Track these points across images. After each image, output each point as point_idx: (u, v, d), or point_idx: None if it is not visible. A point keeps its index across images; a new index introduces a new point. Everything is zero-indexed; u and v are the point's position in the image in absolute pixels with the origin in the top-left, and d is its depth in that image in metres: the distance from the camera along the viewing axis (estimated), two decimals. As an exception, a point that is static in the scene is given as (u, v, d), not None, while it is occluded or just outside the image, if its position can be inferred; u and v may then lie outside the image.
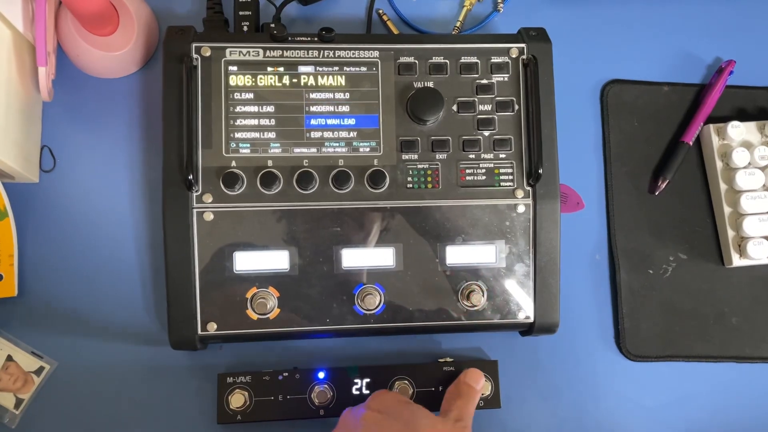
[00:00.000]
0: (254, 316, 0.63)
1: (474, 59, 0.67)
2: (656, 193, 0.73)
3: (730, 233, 0.72)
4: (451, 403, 0.61)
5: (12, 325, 0.66)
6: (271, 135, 0.64)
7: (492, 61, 0.67)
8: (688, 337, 0.72)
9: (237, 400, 0.63)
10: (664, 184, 0.73)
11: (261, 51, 0.65)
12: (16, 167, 0.63)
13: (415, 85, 0.66)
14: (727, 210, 0.72)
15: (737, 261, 0.71)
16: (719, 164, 0.72)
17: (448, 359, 0.67)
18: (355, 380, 0.65)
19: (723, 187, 0.72)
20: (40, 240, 0.67)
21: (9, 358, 0.65)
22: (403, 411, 0.58)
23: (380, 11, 0.74)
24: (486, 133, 0.66)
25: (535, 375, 0.70)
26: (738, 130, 0.72)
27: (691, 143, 0.74)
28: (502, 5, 0.76)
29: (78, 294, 0.67)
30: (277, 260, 0.64)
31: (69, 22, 0.66)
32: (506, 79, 0.67)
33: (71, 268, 0.67)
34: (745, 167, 0.71)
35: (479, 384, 0.63)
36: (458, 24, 0.75)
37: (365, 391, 0.65)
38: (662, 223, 0.73)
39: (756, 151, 0.71)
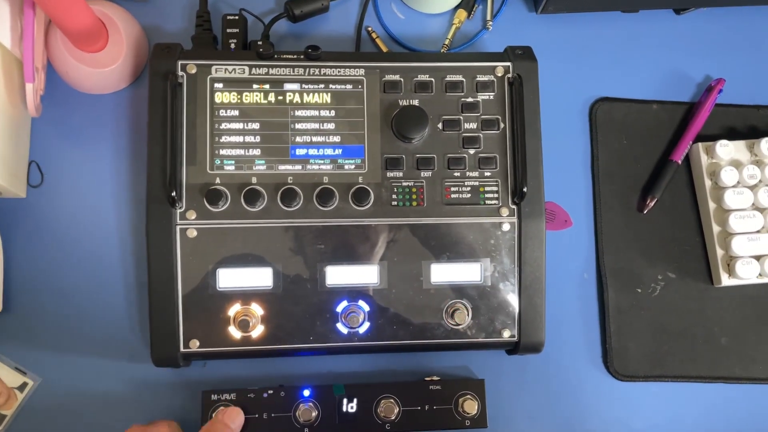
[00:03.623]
0: (237, 334, 0.63)
1: (459, 77, 0.67)
2: (645, 212, 0.73)
3: (719, 252, 0.71)
4: None
5: (-4, 341, 0.66)
6: (256, 152, 0.64)
7: (477, 79, 0.67)
8: (676, 357, 0.71)
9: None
10: (653, 202, 0.73)
11: (247, 68, 0.65)
12: (3, 183, 0.63)
13: (401, 103, 0.66)
14: (716, 229, 0.72)
15: (726, 280, 0.71)
16: (708, 183, 0.72)
17: (435, 378, 0.67)
18: (341, 398, 0.65)
19: (712, 206, 0.72)
20: (27, 255, 0.68)
21: (-8, 374, 0.65)
22: None
23: (369, 29, 0.75)
24: (471, 151, 0.66)
25: (522, 394, 0.70)
26: (727, 149, 0.72)
27: (680, 162, 0.73)
28: (491, 23, 0.76)
29: (63, 310, 0.67)
30: (260, 278, 0.63)
31: (58, 39, 0.67)
32: (492, 97, 0.67)
33: (57, 283, 0.67)
34: (733, 186, 0.71)
35: (235, 423, 0.61)
36: (447, 41, 0.75)
37: (350, 410, 0.64)
38: (651, 242, 0.73)
39: (745, 170, 0.71)
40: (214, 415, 0.62)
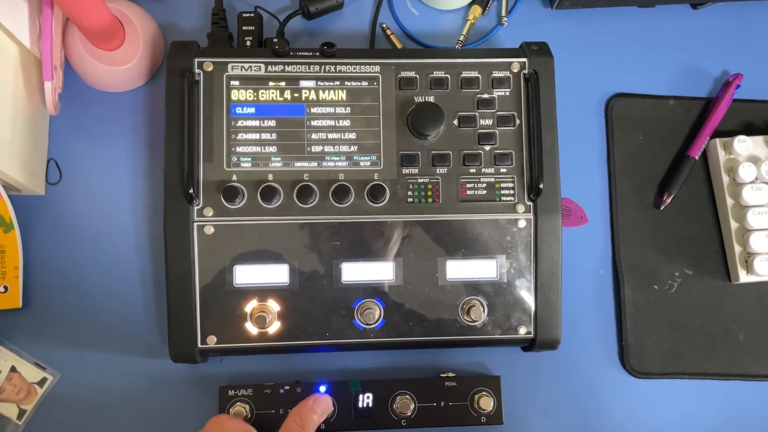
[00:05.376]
0: (254, 330, 0.63)
1: (475, 74, 0.67)
2: (661, 208, 0.73)
3: (737, 249, 0.71)
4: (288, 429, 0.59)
5: (16, 337, 0.67)
6: (272, 149, 0.65)
7: (493, 75, 0.67)
8: (693, 354, 0.71)
9: (238, 412, 0.64)
10: (670, 198, 0.72)
11: (263, 66, 0.65)
12: (22, 180, 0.64)
13: (416, 100, 0.66)
14: (733, 225, 0.71)
15: (744, 277, 0.70)
16: (726, 179, 0.72)
17: (450, 374, 0.67)
18: (357, 394, 0.65)
19: (729, 202, 0.71)
20: (45, 252, 0.68)
21: (13, 369, 0.66)
22: None
23: (384, 25, 0.75)
24: (487, 148, 0.66)
25: (538, 391, 0.70)
26: (745, 145, 0.71)
27: (697, 158, 0.73)
28: (505, 19, 0.75)
29: (81, 306, 0.68)
30: (277, 274, 0.64)
31: (76, 38, 0.67)
32: (507, 93, 0.67)
33: (75, 280, 0.68)
34: (752, 182, 0.70)
35: (320, 409, 0.61)
36: (462, 38, 0.75)
37: (366, 406, 0.65)
38: (668, 239, 0.72)
39: (763, 165, 0.70)
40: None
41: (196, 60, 0.65)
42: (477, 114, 0.66)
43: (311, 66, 0.66)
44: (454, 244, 0.65)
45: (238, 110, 0.65)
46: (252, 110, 0.65)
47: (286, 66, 0.66)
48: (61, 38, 0.68)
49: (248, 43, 0.69)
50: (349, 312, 0.64)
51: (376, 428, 0.65)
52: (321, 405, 0.62)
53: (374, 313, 0.64)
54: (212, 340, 0.63)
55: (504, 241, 0.65)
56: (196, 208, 0.63)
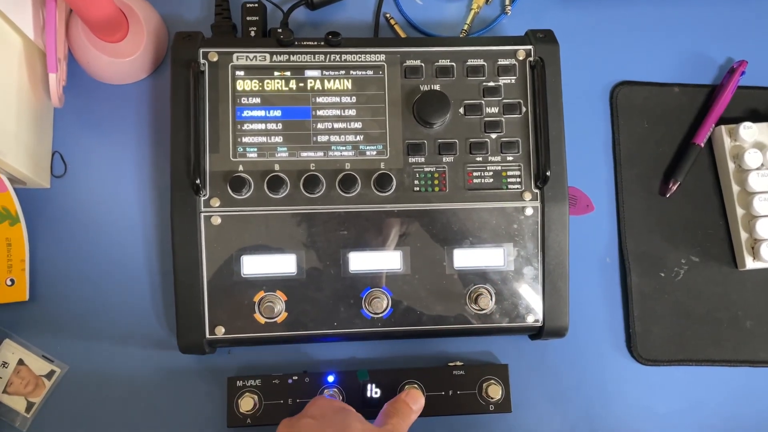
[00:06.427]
0: (262, 320, 0.63)
1: (481, 62, 0.67)
2: (667, 196, 0.73)
3: (743, 235, 0.71)
4: (388, 417, 0.59)
5: (23, 330, 0.67)
6: (278, 139, 0.64)
7: (499, 63, 0.67)
8: (700, 341, 0.71)
9: (247, 403, 0.64)
10: (675, 186, 0.72)
11: (268, 56, 0.65)
12: (27, 173, 0.64)
13: (422, 88, 0.66)
14: (739, 212, 0.71)
15: (750, 264, 0.70)
16: (731, 166, 0.72)
17: (458, 363, 0.67)
18: (365, 384, 0.65)
19: (735, 188, 0.71)
20: (51, 245, 0.68)
21: (20, 362, 0.66)
22: (336, 416, 0.57)
23: (388, 15, 0.75)
24: (493, 136, 0.66)
25: (546, 379, 0.70)
26: (750, 131, 0.71)
27: (702, 145, 0.73)
28: (509, 8, 0.75)
29: (88, 298, 0.68)
30: (284, 264, 0.64)
31: (79, 30, 0.67)
32: (513, 81, 0.67)
33: (82, 272, 0.68)
34: (757, 168, 0.70)
35: (417, 404, 0.61)
36: (466, 27, 0.74)
37: (375, 395, 0.65)
38: (674, 226, 0.72)
39: (769, 152, 0.70)
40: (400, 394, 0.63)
41: (201, 50, 0.65)
42: (483, 102, 0.66)
43: (316, 55, 0.66)
44: (461, 233, 0.65)
45: (244, 100, 0.65)
46: (257, 100, 0.65)
47: (291, 55, 0.65)
48: (64, 30, 0.68)
49: (252, 33, 0.69)
50: (357, 301, 0.64)
51: (385, 417, 0.65)
52: (414, 398, 0.62)
53: (382, 302, 0.64)
54: (220, 331, 0.63)
55: (511, 229, 0.65)
56: (202, 198, 0.63)
